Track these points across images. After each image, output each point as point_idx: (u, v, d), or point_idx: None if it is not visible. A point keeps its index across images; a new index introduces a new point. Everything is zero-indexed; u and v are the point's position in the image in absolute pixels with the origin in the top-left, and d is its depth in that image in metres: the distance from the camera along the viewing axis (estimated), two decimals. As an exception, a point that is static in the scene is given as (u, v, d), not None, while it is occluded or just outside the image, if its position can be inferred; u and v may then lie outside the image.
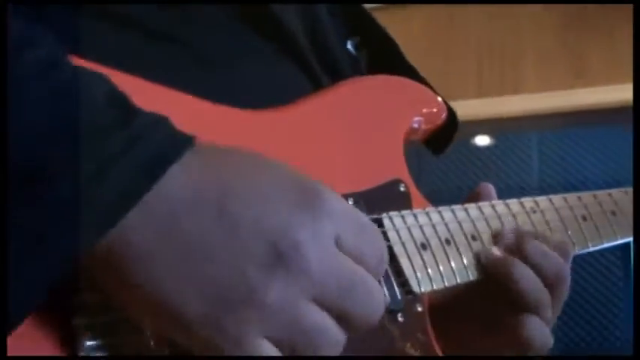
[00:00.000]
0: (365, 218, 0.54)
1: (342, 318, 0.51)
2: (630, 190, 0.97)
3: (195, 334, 0.48)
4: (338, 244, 0.51)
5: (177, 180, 0.48)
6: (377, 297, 0.52)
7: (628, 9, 3.26)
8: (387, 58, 0.87)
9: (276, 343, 0.48)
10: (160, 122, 0.49)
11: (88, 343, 0.51)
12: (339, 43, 0.83)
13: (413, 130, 0.80)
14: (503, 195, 0.84)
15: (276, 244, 0.48)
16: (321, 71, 0.78)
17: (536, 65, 3.46)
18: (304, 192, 0.51)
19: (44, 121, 0.45)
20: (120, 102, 0.49)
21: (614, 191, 0.94)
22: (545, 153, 3.98)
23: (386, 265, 0.55)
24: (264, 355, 0.48)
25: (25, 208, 0.44)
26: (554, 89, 3.40)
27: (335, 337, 0.50)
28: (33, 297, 0.45)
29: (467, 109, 3.30)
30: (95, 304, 0.51)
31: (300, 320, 0.48)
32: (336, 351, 0.51)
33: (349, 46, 0.86)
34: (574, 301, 3.03)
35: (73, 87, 0.47)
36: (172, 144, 0.49)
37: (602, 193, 0.92)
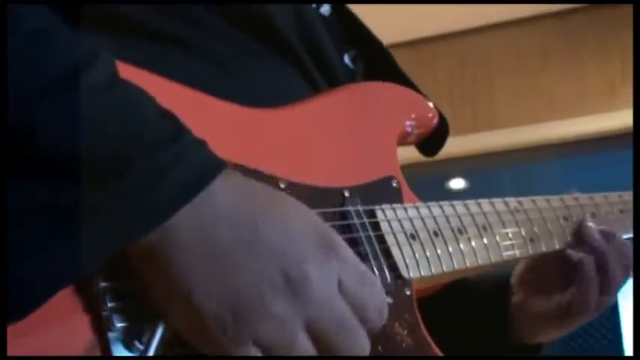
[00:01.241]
0: (370, 274, 0.61)
1: (325, 352, 0.58)
2: (610, 195, 1.03)
3: (205, 328, 0.55)
4: (340, 287, 0.58)
5: (221, 191, 0.55)
6: (362, 345, 0.59)
7: (593, 44, 3.39)
8: (383, 68, 0.93)
9: (264, 351, 0.56)
10: (202, 142, 0.56)
11: (110, 304, 0.56)
12: (336, 56, 0.88)
13: (406, 133, 0.85)
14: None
15: (288, 271, 0.56)
16: (322, 81, 0.84)
17: (508, 101, 3.54)
18: (323, 236, 0.59)
19: (118, 128, 0.52)
20: (170, 118, 0.56)
21: (595, 195, 1.00)
22: (519, 190, 4.02)
23: (385, 319, 0.61)
24: (251, 355, 0.55)
25: (98, 192, 0.51)
26: (526, 123, 3.48)
27: None
28: (94, 262, 0.52)
29: (444, 146, 3.37)
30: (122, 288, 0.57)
31: (292, 340, 0.56)
32: None
33: (346, 59, 0.91)
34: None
35: (134, 101, 0.54)
36: (215, 161, 0.56)
37: (583, 197, 0.98)
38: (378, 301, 0.60)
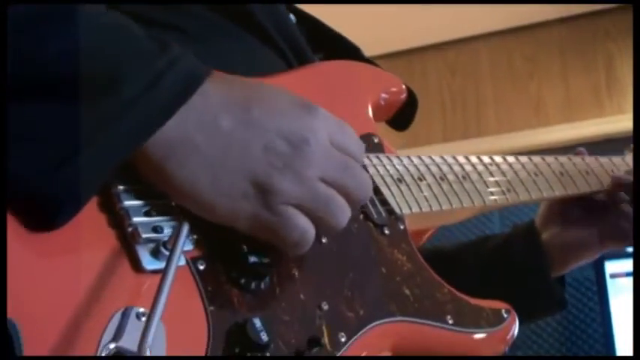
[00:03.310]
0: (342, 121, 0.70)
1: (342, 192, 0.67)
2: (573, 157, 1.14)
3: (240, 206, 0.63)
4: (330, 139, 0.67)
5: (212, 88, 0.64)
6: (364, 174, 0.69)
7: (579, 53, 3.49)
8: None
9: (301, 209, 0.64)
10: (187, 52, 0.64)
11: (135, 218, 0.63)
12: (310, 53, 0.98)
13: (379, 105, 0.95)
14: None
15: (292, 139, 0.65)
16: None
17: (497, 108, 3.63)
18: (302, 104, 0.68)
19: (114, 44, 0.60)
20: (154, 35, 0.64)
21: (560, 156, 1.10)
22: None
23: (363, 154, 0.71)
24: (293, 217, 0.64)
25: (105, 105, 0.58)
26: (514, 130, 3.57)
27: (343, 205, 0.67)
28: (109, 165, 0.59)
29: (434, 153, 3.46)
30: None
31: (315, 190, 0.65)
32: (346, 217, 0.67)
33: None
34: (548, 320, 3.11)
35: (124, 23, 0.62)
36: (201, 65, 0.64)
37: (549, 157, 1.08)
38: (357, 140, 0.70)
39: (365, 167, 0.82)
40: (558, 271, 1.14)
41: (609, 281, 2.86)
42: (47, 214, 0.57)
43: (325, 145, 0.66)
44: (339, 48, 1.03)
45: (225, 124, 0.63)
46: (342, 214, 0.67)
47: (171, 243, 0.62)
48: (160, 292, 0.58)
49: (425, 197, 0.86)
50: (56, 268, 0.58)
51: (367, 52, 1.05)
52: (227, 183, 0.62)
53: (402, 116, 0.99)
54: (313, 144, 0.65)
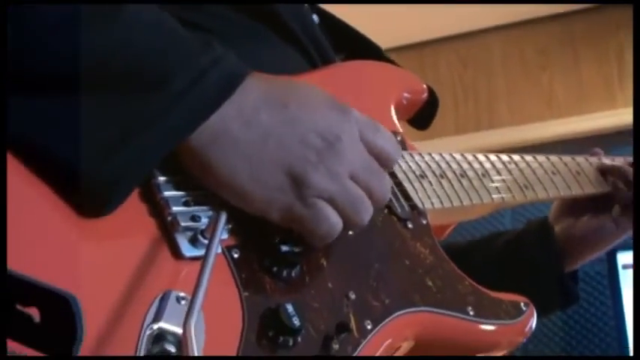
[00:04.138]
0: (378, 123, 0.74)
1: (366, 192, 0.70)
2: (589, 157, 1.17)
3: (275, 197, 0.67)
4: (361, 138, 0.71)
5: (253, 85, 0.67)
6: (387, 178, 0.73)
7: (590, 45, 3.51)
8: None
9: (330, 203, 0.68)
10: (229, 50, 0.68)
11: (175, 208, 0.67)
12: (333, 54, 1.01)
13: (401, 105, 0.98)
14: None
15: (325, 136, 0.68)
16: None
17: (509, 101, 3.66)
18: (337, 104, 0.72)
19: (159, 41, 0.64)
20: (197, 33, 0.68)
21: (577, 156, 1.14)
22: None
23: (399, 153, 0.75)
24: (324, 210, 0.68)
25: (153, 101, 0.62)
26: (527, 122, 3.59)
27: (367, 203, 0.70)
28: (161, 151, 0.63)
29: (447, 145, 3.49)
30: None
31: (345, 186, 0.69)
32: (368, 216, 0.71)
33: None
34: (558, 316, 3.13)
35: (168, 22, 0.66)
36: (242, 64, 0.68)
37: (566, 157, 1.12)
38: (392, 139, 0.74)
39: None
40: (574, 263, 1.15)
41: (621, 272, 2.85)
42: (96, 201, 0.61)
43: (356, 144, 0.70)
44: (361, 48, 1.06)
45: (264, 118, 0.66)
46: (366, 212, 0.70)
47: (209, 231, 0.66)
48: (202, 275, 0.61)
49: (446, 193, 0.89)
50: (104, 252, 0.63)
51: (380, 45, 1.07)
52: (263, 174, 0.66)
53: (422, 116, 1.02)
54: (345, 141, 0.69)
